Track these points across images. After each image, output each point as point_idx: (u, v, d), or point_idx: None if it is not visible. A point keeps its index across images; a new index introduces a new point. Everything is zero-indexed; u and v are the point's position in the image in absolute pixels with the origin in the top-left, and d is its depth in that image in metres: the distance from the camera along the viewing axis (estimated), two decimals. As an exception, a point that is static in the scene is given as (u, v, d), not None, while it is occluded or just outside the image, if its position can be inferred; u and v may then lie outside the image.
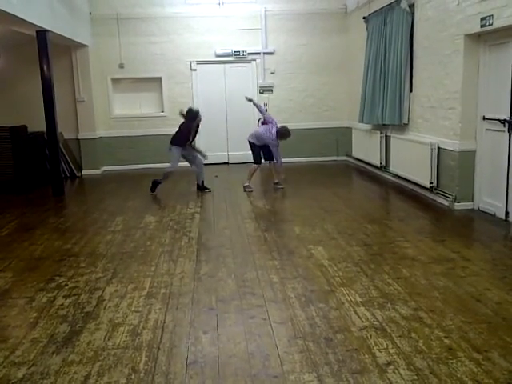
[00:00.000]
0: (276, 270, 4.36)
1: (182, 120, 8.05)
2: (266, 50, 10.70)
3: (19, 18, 6.49)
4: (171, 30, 10.48)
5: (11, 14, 6.24)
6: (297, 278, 4.17)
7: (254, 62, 10.79)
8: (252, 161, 8.19)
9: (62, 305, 3.76)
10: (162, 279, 4.24)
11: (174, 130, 10.31)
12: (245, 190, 7.96)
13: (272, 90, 10.87)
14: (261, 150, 8.08)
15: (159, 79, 10.62)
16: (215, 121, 10.71)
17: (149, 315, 3.54)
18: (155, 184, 7.95)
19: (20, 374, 2.82)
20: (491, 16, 5.37)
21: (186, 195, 7.87)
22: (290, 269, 4.39)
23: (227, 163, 10.93)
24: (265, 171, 9.16)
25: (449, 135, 6.42)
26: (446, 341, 3.03)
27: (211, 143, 10.66)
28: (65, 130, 9.85)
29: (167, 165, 8.02)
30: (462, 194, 6.28)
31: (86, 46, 9.91)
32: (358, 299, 3.68)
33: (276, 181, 8.27)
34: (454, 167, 6.31)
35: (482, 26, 5.57)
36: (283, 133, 7.95)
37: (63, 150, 9.72)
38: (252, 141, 8.09)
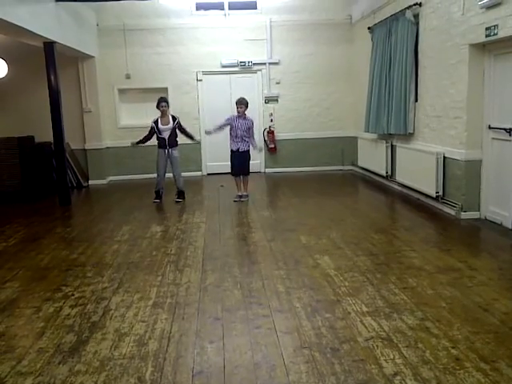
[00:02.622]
0: (282, 280, 4.35)
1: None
2: (272, 61, 10.75)
3: (27, 29, 6.57)
4: (177, 41, 10.57)
5: (19, 26, 6.32)
6: (303, 287, 4.17)
7: (259, 72, 10.84)
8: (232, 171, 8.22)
9: (68, 315, 3.77)
10: (168, 289, 4.25)
11: (180, 139, 10.37)
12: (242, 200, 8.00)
13: (277, 100, 10.91)
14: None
15: (165, 89, 10.66)
16: (221, 130, 10.75)
17: (155, 325, 3.54)
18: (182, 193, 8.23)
19: (27, 384, 2.83)
20: (496, 26, 5.38)
21: (191, 205, 7.89)
22: (296, 278, 4.38)
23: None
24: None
25: (455, 144, 6.41)
26: (453, 351, 3.01)
27: (217, 153, 10.69)
28: (72, 141, 9.93)
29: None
30: (469, 203, 6.26)
31: (92, 56, 10.00)
32: (365, 309, 3.67)
33: (245, 193, 8.13)
34: (460, 176, 6.29)
35: (486, 36, 5.59)
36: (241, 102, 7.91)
37: (70, 160, 9.78)
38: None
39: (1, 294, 4.27)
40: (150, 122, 8.10)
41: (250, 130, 7.95)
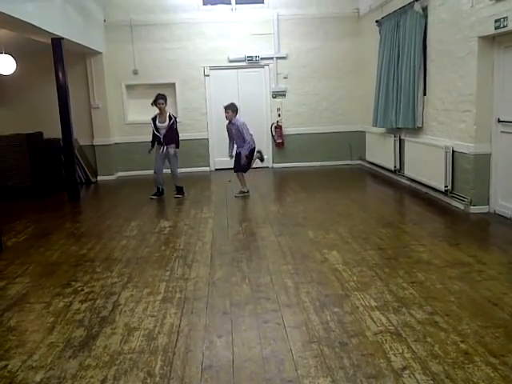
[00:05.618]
0: (290, 275, 4.36)
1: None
2: (279, 55, 10.73)
3: (35, 26, 6.59)
4: (184, 36, 10.56)
5: (27, 23, 6.34)
6: (311, 282, 4.17)
7: (266, 67, 10.82)
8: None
9: (78, 309, 3.80)
10: (176, 284, 4.27)
11: (188, 135, 10.41)
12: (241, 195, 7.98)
13: (285, 95, 10.89)
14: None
15: (173, 85, 10.68)
16: (228, 126, 10.77)
17: (164, 320, 3.56)
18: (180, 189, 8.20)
19: (38, 378, 2.85)
20: (505, 18, 5.33)
21: (199, 200, 7.90)
22: (304, 273, 4.38)
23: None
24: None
25: (464, 138, 6.37)
26: (462, 345, 3.00)
27: (224, 148, 10.70)
28: (80, 137, 9.96)
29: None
30: (478, 197, 6.22)
31: (100, 52, 10.02)
32: (373, 303, 3.67)
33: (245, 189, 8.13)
34: (469, 170, 6.26)
35: (496, 28, 5.54)
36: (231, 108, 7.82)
37: (78, 156, 9.81)
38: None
39: (11, 289, 4.31)
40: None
41: (239, 132, 7.78)
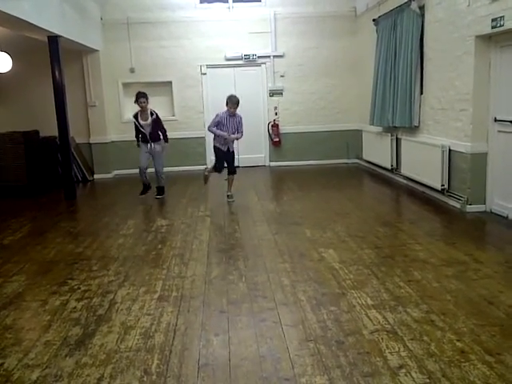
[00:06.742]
0: (287, 273, 4.36)
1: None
2: (276, 53, 10.72)
3: (31, 23, 6.57)
4: (181, 35, 10.55)
5: (23, 20, 6.32)
6: (308, 281, 4.17)
7: (263, 66, 10.81)
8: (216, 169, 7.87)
9: (74, 308, 3.79)
10: (173, 282, 4.26)
11: (184, 133, 10.41)
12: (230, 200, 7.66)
13: (282, 93, 10.89)
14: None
15: (170, 83, 10.67)
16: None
17: (161, 318, 3.56)
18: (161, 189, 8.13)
19: (34, 377, 2.85)
20: (502, 17, 5.35)
21: (196, 198, 7.90)
22: (300, 272, 4.38)
23: (237, 166, 10.89)
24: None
25: (460, 137, 6.38)
26: (459, 344, 3.01)
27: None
28: (76, 135, 9.95)
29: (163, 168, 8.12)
30: (474, 196, 6.24)
31: (97, 50, 10.00)
32: (370, 302, 3.67)
33: (230, 193, 7.76)
34: (466, 169, 6.27)
35: (492, 27, 5.55)
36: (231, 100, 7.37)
37: (75, 155, 9.79)
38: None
39: (7, 287, 4.30)
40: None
41: (239, 126, 7.49)
